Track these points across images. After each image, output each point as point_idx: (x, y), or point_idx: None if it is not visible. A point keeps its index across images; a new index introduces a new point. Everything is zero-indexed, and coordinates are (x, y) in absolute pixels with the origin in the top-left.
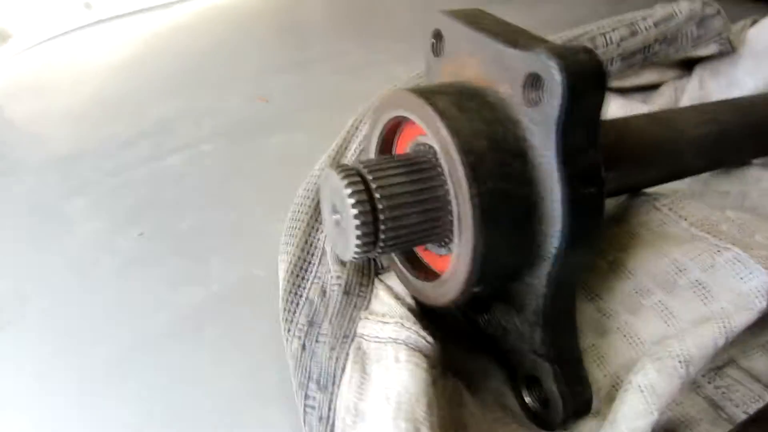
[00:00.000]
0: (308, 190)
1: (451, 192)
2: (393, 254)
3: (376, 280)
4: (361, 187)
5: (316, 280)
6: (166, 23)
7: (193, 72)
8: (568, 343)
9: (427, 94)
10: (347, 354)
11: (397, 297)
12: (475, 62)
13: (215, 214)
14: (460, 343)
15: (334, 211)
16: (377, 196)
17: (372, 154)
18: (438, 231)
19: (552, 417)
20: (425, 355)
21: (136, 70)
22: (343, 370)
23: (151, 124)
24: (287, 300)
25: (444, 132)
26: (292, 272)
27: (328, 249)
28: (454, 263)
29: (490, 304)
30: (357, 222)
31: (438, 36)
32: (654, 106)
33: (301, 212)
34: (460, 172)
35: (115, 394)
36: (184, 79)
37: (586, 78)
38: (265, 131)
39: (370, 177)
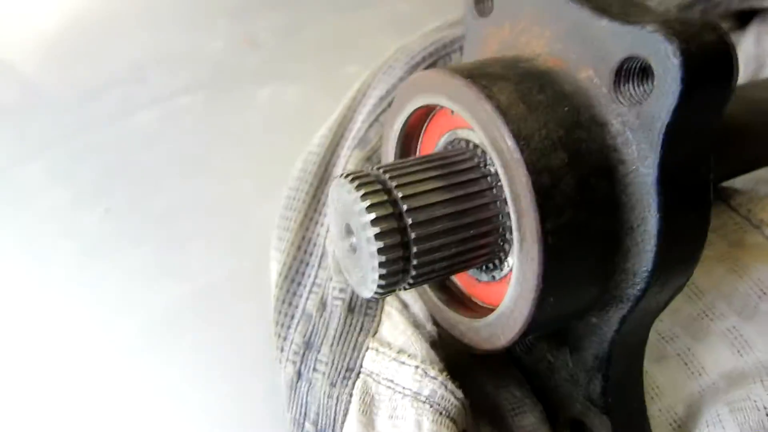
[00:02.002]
0: (305, 171)
1: (511, 212)
2: None
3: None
4: (384, 204)
5: (315, 289)
6: None
7: (167, 8)
8: (633, 396)
9: (481, 79)
10: (350, 395)
11: (415, 323)
12: (543, 32)
13: (195, 187)
14: (487, 367)
15: (348, 232)
16: (408, 218)
17: (391, 152)
18: (484, 255)
19: None
20: (453, 420)
21: (97, 3)
22: (345, 414)
23: (117, 70)
24: (280, 312)
25: (508, 141)
26: (286, 276)
27: (330, 249)
28: (508, 305)
29: None
30: (380, 254)
31: None
32: None
33: (297, 199)
34: (527, 200)
35: (71, 418)
36: (156, 16)
37: (711, 69)
38: (253, 81)
39: (396, 189)
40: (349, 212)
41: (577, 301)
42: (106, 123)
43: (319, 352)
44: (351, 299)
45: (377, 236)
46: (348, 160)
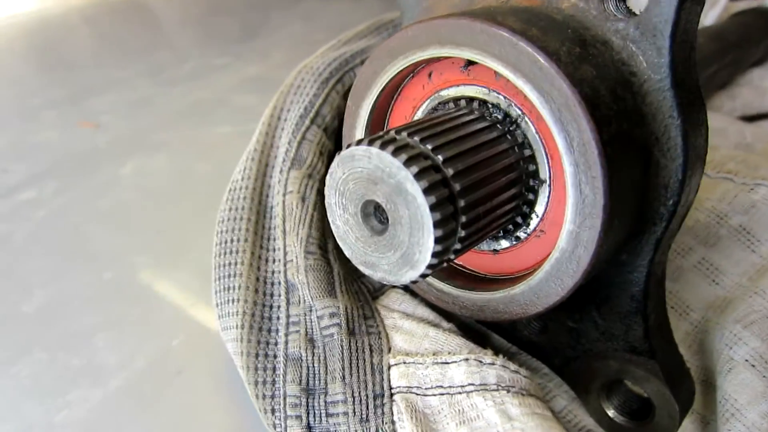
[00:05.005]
0: (235, 208)
1: (557, 138)
2: None
3: (380, 308)
4: (427, 164)
5: (292, 328)
6: None
7: None
8: (667, 331)
9: (479, 16)
10: (392, 422)
11: (431, 324)
12: None
13: (76, 277)
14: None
15: (366, 213)
16: (450, 172)
17: (358, 130)
18: (514, 208)
19: (665, 426)
20: (537, 397)
21: None
22: None
23: None
24: (256, 368)
25: (540, 57)
26: (250, 327)
27: (299, 279)
28: (564, 248)
29: None
30: (433, 211)
31: None
32: None
33: (235, 240)
34: (578, 112)
35: None
36: None
37: None
38: (110, 160)
39: (430, 148)
40: (380, 185)
41: (626, 226)
42: None
43: (326, 393)
44: (348, 320)
45: (426, 191)
46: (286, 183)
